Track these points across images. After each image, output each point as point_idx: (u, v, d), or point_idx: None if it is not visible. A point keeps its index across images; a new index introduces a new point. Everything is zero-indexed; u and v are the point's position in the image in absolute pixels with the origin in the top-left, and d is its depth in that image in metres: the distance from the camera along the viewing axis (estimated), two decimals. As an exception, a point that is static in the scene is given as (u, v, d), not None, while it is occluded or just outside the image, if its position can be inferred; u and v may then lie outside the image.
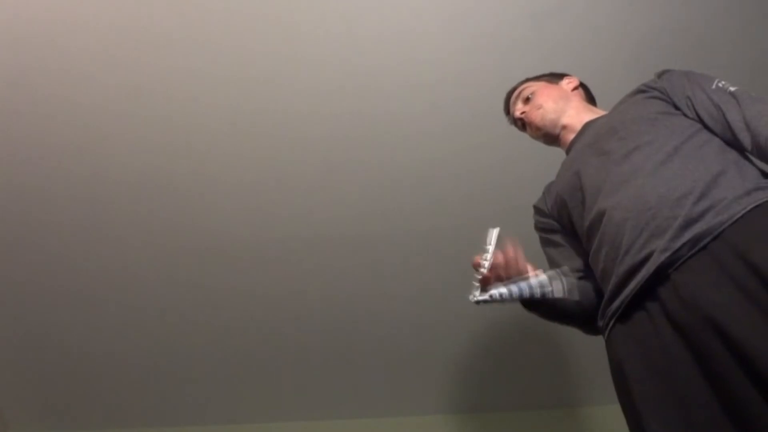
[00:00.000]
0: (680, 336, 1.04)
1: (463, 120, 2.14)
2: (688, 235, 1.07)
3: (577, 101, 1.53)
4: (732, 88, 1.23)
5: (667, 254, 1.08)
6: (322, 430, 2.50)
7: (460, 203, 2.24)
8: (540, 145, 2.06)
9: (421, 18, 2.02)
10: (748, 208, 1.06)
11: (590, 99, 1.61)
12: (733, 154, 1.19)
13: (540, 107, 1.51)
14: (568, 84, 1.57)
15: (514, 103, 1.60)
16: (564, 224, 1.41)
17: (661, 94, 1.33)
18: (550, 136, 1.52)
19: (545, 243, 1.48)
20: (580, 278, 1.36)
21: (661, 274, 1.09)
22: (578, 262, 1.38)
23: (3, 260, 2.31)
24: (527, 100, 1.56)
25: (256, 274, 2.33)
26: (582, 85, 1.60)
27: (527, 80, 1.62)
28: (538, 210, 1.50)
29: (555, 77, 1.60)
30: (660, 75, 1.37)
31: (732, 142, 1.20)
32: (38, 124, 2.12)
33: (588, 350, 2.28)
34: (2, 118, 2.11)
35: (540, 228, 1.50)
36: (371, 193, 2.23)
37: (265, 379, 2.47)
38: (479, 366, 2.46)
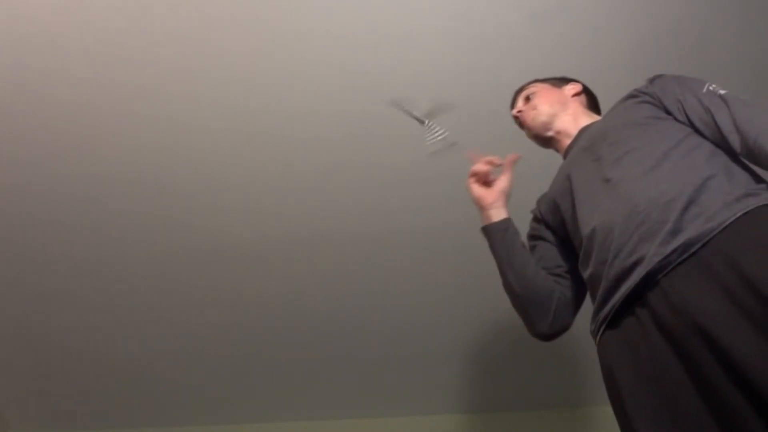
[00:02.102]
0: (669, 341, 1.04)
1: (463, 120, 2.14)
2: (677, 241, 1.07)
3: (574, 107, 1.53)
4: (722, 92, 1.24)
5: (657, 260, 1.08)
6: (323, 430, 2.51)
7: (460, 203, 2.23)
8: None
9: (421, 18, 2.02)
10: (738, 215, 1.05)
11: (592, 106, 1.61)
12: (723, 158, 1.19)
13: (534, 108, 1.52)
14: (570, 89, 1.57)
15: (516, 101, 1.61)
16: (555, 229, 1.43)
17: (652, 98, 1.34)
18: (540, 139, 1.54)
19: (531, 246, 1.51)
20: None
21: (650, 280, 1.09)
22: (547, 263, 1.43)
23: (3, 260, 2.31)
24: (527, 100, 1.57)
25: (256, 274, 2.33)
26: (586, 92, 1.60)
27: (535, 81, 1.62)
28: (534, 217, 1.52)
29: (561, 81, 1.60)
30: (651, 80, 1.38)
31: (722, 145, 1.21)
32: (38, 124, 2.12)
33: (589, 350, 2.28)
34: (2, 118, 2.11)
35: (529, 236, 1.52)
36: (372, 193, 2.23)
37: (265, 379, 2.47)
38: (480, 366, 2.46)
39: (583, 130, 1.44)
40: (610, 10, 2.03)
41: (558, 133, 1.50)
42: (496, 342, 2.41)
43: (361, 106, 2.12)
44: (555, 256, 1.43)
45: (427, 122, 1.37)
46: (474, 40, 2.04)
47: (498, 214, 1.42)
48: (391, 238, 2.28)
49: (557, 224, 1.41)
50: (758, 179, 1.17)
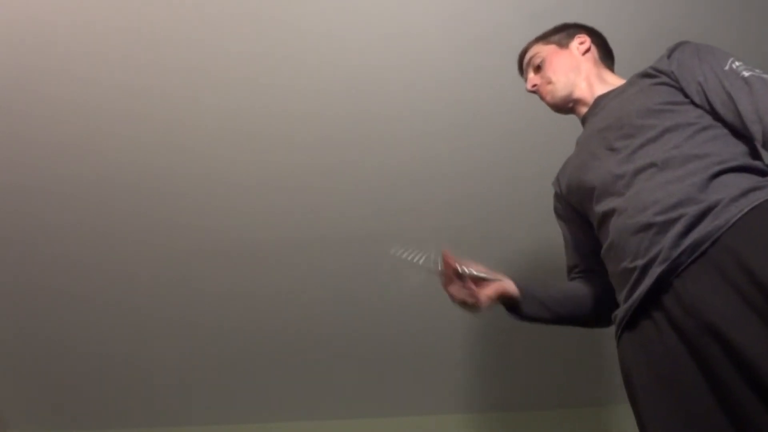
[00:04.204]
0: (683, 343, 1.04)
1: (463, 120, 2.14)
2: (687, 242, 1.06)
3: (588, 69, 1.47)
4: (746, 73, 1.17)
5: (667, 264, 1.07)
6: (323, 430, 2.51)
7: (460, 203, 2.24)
8: (540, 145, 2.06)
9: (421, 18, 2.02)
10: (745, 211, 1.04)
11: (605, 55, 1.54)
12: (740, 148, 1.17)
13: (550, 82, 1.47)
14: (578, 46, 1.50)
15: (526, 71, 1.56)
16: (576, 207, 1.41)
17: (669, 79, 1.27)
18: (562, 110, 1.50)
19: (561, 228, 1.51)
20: (574, 278, 1.43)
21: (663, 282, 1.08)
22: (577, 258, 1.44)
23: (3, 260, 2.31)
24: (538, 69, 1.51)
25: (256, 275, 2.33)
26: (594, 42, 1.52)
27: (537, 41, 1.55)
28: (555, 194, 1.51)
29: (565, 36, 1.52)
30: (670, 53, 1.30)
31: (742, 132, 1.17)
32: (38, 124, 2.12)
33: (596, 349, 2.28)
34: (2, 118, 2.11)
35: (557, 214, 1.52)
36: (371, 194, 2.23)
37: (265, 379, 2.47)
38: (481, 365, 2.46)
39: (599, 100, 1.40)
40: (610, 10, 2.03)
41: (576, 102, 1.46)
42: (500, 341, 2.41)
43: (360, 106, 2.12)
44: (583, 243, 1.43)
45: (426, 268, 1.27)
46: (474, 40, 2.04)
47: (513, 290, 1.34)
48: (391, 238, 2.28)
49: (577, 203, 1.39)
50: None
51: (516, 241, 2.26)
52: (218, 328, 2.40)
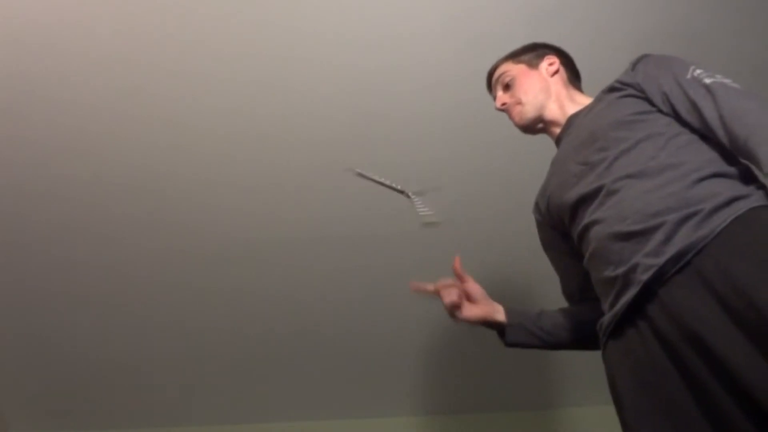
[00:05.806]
0: (666, 351, 1.05)
1: (463, 121, 2.14)
2: (670, 251, 1.06)
3: (557, 90, 1.47)
4: (707, 80, 1.18)
5: (651, 272, 1.08)
6: (323, 430, 2.51)
7: (460, 203, 2.24)
8: (539, 146, 2.06)
9: (421, 19, 2.02)
10: (728, 221, 1.04)
11: (573, 76, 1.53)
12: (713, 153, 1.17)
13: (519, 102, 1.46)
14: (548, 68, 1.49)
15: (495, 87, 1.55)
16: (560, 229, 1.41)
17: (635, 90, 1.29)
18: (530, 131, 1.50)
19: (552, 261, 1.51)
20: (576, 303, 1.44)
21: (648, 292, 1.09)
22: (573, 287, 1.45)
23: (3, 261, 2.31)
24: (507, 87, 1.50)
25: (255, 275, 2.33)
26: (563, 63, 1.52)
27: (507, 60, 1.53)
28: (538, 223, 1.50)
29: (535, 56, 1.51)
30: (634, 66, 1.33)
31: (711, 137, 1.18)
32: (37, 126, 2.12)
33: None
34: (2, 119, 2.11)
35: (544, 245, 1.51)
36: (371, 194, 2.23)
37: (266, 379, 2.47)
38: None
39: (572, 119, 1.40)
40: (610, 11, 2.03)
41: (546, 123, 1.46)
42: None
43: (361, 107, 2.12)
44: (575, 269, 1.40)
45: (411, 196, 1.27)
46: (474, 40, 2.04)
47: (501, 317, 1.40)
48: (390, 239, 2.29)
49: (559, 223, 1.39)
50: (749, 173, 1.15)
51: (516, 242, 2.26)
52: (218, 328, 2.40)
